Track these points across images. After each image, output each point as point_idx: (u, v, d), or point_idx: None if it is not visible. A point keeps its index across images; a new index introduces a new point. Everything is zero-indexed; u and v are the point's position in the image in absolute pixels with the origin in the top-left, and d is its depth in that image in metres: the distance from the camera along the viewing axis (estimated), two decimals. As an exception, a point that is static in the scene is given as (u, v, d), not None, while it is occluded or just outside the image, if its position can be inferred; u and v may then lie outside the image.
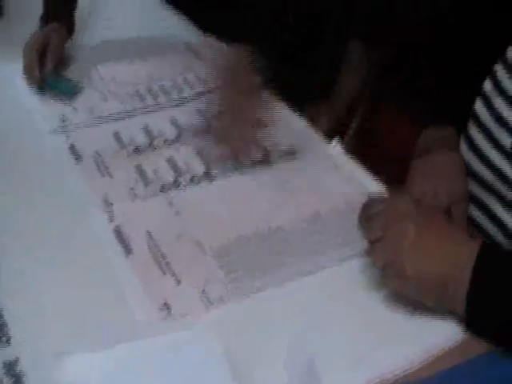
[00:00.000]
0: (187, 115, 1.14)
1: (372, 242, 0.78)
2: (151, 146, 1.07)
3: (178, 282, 0.83)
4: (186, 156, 1.05)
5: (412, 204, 0.79)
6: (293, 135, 1.10)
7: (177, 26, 1.43)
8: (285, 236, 0.90)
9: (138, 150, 1.06)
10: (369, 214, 0.82)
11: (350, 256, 0.88)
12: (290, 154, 1.06)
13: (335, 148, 1.06)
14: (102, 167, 1.02)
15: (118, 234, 0.90)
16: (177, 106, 1.18)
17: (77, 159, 1.04)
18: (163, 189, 0.98)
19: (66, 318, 0.78)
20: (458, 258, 0.73)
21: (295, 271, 0.85)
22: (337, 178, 1.01)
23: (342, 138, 1.14)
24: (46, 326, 0.77)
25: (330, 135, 1.12)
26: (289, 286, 0.84)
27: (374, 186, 1.00)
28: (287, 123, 1.13)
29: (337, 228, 0.92)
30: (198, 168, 1.02)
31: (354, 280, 0.84)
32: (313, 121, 1.16)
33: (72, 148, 1.06)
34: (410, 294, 0.77)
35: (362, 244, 0.83)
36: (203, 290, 0.82)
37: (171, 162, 1.03)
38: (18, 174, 1.02)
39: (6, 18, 1.46)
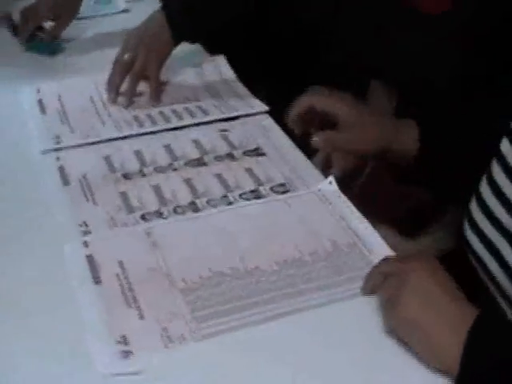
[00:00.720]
0: (183, 142, 1.11)
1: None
2: (141, 172, 1.04)
3: (142, 316, 0.80)
4: (175, 184, 1.02)
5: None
6: (289, 167, 1.06)
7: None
8: (261, 277, 0.86)
9: (126, 176, 1.03)
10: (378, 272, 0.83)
11: (330, 300, 0.83)
12: (282, 186, 1.02)
13: (330, 185, 1.02)
14: (88, 192, 1.00)
15: (91, 261, 0.87)
16: (173, 131, 1.15)
17: (64, 182, 1.02)
18: (144, 218, 0.95)
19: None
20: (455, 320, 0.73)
21: (268, 315, 0.81)
22: (327, 217, 0.97)
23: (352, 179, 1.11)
24: None
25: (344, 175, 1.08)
26: (258, 329, 0.79)
27: (364, 229, 0.95)
28: (284, 154, 1.10)
29: (318, 271, 0.87)
30: (185, 197, 0.99)
31: (333, 323, 0.80)
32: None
33: (61, 170, 1.05)
34: (401, 334, 0.75)
35: (347, 287, 0.83)
36: (165, 327, 0.78)
37: (158, 190, 1.00)
38: (2, 189, 1.01)
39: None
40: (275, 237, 0.93)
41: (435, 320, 0.73)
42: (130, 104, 1.21)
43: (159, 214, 0.96)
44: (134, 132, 1.14)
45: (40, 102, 1.23)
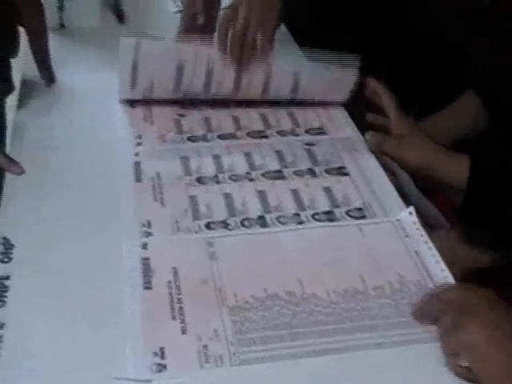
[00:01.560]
0: (265, 152, 1.07)
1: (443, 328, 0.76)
2: (215, 177, 1.01)
3: (184, 331, 0.76)
4: (247, 194, 0.98)
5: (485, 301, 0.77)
6: (370, 190, 1.01)
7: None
8: (317, 306, 0.81)
9: (200, 180, 1.00)
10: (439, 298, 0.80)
11: (387, 343, 0.77)
12: (359, 211, 0.96)
13: (410, 216, 0.95)
14: (158, 192, 0.97)
15: (145, 264, 0.85)
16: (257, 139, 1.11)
17: (137, 179, 1.00)
18: (209, 227, 0.92)
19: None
20: None
21: (316, 349, 0.76)
22: (400, 249, 0.91)
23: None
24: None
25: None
26: (304, 363, 0.74)
27: (438, 269, 0.87)
28: (368, 176, 1.04)
29: (380, 308, 0.81)
30: (255, 210, 0.95)
31: (386, 369, 0.74)
32: None
33: (137, 166, 1.03)
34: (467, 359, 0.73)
35: (410, 331, 0.78)
36: (205, 345, 0.75)
37: (228, 199, 0.97)
38: (74, 179, 1.00)
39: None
40: (341, 264, 0.87)
41: (503, 349, 0.71)
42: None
43: (225, 225, 0.92)
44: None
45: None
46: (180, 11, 1.38)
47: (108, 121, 1.14)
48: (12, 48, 1.15)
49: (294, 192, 0.99)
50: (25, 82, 1.22)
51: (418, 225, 0.94)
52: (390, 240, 0.92)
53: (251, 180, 1.01)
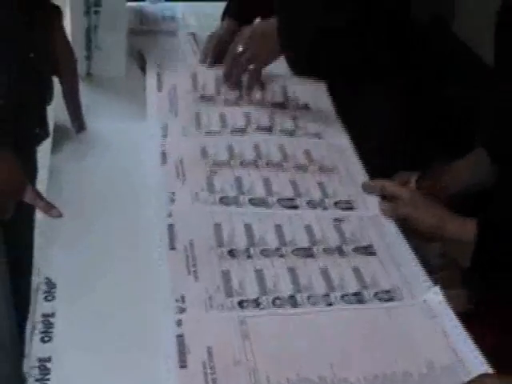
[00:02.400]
0: (295, 226, 1.10)
1: None
2: (247, 251, 1.04)
3: (219, 411, 0.79)
4: (279, 272, 1.00)
5: None
6: (397, 271, 1.03)
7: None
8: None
9: (232, 253, 1.03)
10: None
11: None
12: (387, 293, 0.99)
13: (436, 295, 0.98)
14: (191, 264, 1.00)
15: (180, 342, 0.87)
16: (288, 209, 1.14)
17: (171, 246, 1.03)
18: (241, 305, 0.94)
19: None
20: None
21: None
22: (428, 332, 0.93)
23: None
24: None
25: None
26: None
27: (466, 349, 0.90)
28: (395, 256, 1.07)
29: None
30: (286, 289, 0.97)
31: None
32: None
33: (170, 229, 1.06)
34: None
35: None
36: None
37: (260, 276, 0.99)
38: (106, 249, 1.03)
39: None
40: (371, 348, 0.90)
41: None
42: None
43: (257, 304, 0.94)
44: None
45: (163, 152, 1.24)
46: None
47: (139, 173, 1.19)
48: (48, 96, 1.20)
49: (324, 271, 1.01)
50: (57, 129, 1.27)
51: (445, 304, 0.96)
52: (417, 323, 0.95)
53: (282, 256, 1.04)
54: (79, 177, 1.16)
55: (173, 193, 1.13)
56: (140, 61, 1.53)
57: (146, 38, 1.61)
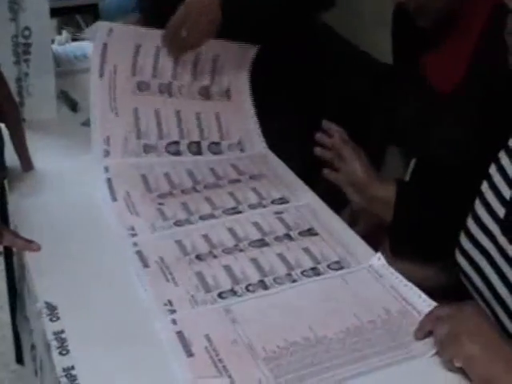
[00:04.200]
0: (244, 225, 1.26)
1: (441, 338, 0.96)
2: (211, 253, 1.19)
3: (233, 382, 0.93)
4: (243, 264, 1.16)
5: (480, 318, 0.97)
6: (340, 245, 1.21)
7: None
8: (329, 344, 1.00)
9: (199, 257, 1.17)
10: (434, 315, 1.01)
11: (389, 363, 0.97)
12: (337, 263, 1.16)
13: (379, 260, 1.16)
14: (168, 273, 1.13)
15: (181, 337, 1.01)
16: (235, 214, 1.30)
17: (144, 265, 1.16)
18: (221, 296, 1.09)
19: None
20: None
21: (337, 378, 0.94)
22: (379, 288, 1.11)
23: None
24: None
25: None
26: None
27: (413, 295, 1.09)
28: (335, 233, 1.24)
29: (377, 337, 1.01)
30: (254, 276, 1.13)
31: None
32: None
33: (140, 254, 1.19)
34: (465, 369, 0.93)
35: (404, 351, 0.98)
36: (256, 391, 0.92)
37: (229, 270, 1.14)
38: (88, 273, 1.15)
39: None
40: (337, 308, 1.07)
41: (494, 358, 0.90)
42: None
43: (234, 293, 1.09)
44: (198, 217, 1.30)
45: (110, 186, 1.37)
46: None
47: (95, 211, 1.31)
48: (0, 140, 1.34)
49: (280, 256, 1.18)
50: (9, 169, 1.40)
51: (387, 266, 1.15)
52: (368, 283, 1.13)
53: (241, 250, 1.19)
54: (38, 211, 1.29)
55: (132, 227, 1.26)
56: (67, 101, 1.66)
57: (66, 78, 1.74)
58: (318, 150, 1.34)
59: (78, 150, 1.47)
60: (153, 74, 1.50)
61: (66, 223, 1.26)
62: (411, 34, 1.44)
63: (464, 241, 1.11)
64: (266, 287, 1.11)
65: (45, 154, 1.45)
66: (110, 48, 1.45)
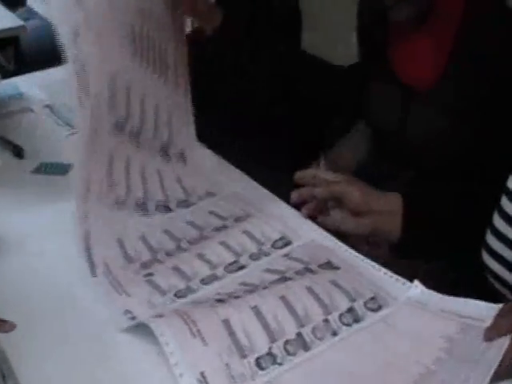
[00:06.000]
0: (256, 271, 1.11)
1: None
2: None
3: None
4: (273, 306, 0.99)
5: None
6: (366, 280, 1.07)
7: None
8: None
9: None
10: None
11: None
12: (373, 300, 1.03)
13: (417, 288, 1.04)
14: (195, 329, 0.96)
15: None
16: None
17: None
18: (259, 365, 0.93)
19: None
20: None
21: None
22: (428, 317, 0.99)
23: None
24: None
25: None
26: None
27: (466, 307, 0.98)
28: (356, 267, 1.11)
29: (451, 371, 0.89)
30: (290, 327, 0.97)
31: None
32: None
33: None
34: None
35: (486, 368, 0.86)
36: None
37: (259, 316, 0.99)
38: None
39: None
40: (393, 362, 0.93)
41: None
42: None
43: (273, 358, 0.94)
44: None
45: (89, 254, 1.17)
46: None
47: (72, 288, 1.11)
48: None
49: (309, 289, 1.02)
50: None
51: (426, 291, 1.03)
52: (415, 316, 1.00)
53: (265, 288, 1.04)
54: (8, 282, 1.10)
55: (128, 311, 1.06)
56: (7, 145, 1.48)
57: (3, 121, 1.56)
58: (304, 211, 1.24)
59: (35, 202, 1.28)
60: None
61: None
62: (379, 27, 1.37)
63: (492, 240, 1.05)
64: (305, 345, 0.96)
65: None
66: None
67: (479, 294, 1.00)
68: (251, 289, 1.05)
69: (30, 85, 1.76)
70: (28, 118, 1.61)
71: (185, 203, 1.32)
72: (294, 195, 1.23)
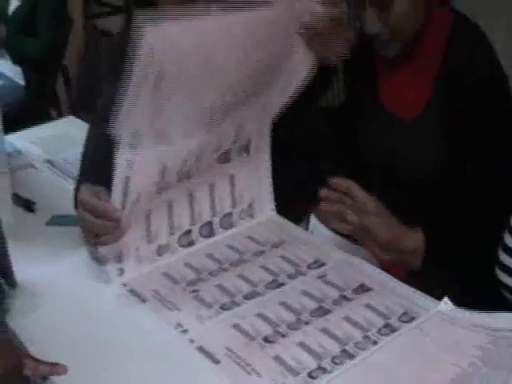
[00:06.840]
0: (295, 297, 1.22)
1: None
2: (278, 332, 1.14)
3: None
4: (317, 338, 1.12)
5: None
6: (398, 297, 1.19)
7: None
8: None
9: (268, 340, 1.12)
10: None
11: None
12: (406, 315, 1.14)
13: (446, 304, 1.15)
14: (244, 364, 1.08)
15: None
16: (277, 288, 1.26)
17: (213, 361, 1.10)
18: (311, 376, 1.05)
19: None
20: None
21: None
22: (459, 330, 1.10)
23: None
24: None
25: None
26: None
27: (496, 321, 1.07)
28: (392, 289, 1.22)
29: (487, 376, 0.99)
30: (334, 347, 1.09)
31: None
32: None
33: (202, 350, 1.12)
34: None
35: None
36: None
37: (305, 347, 1.10)
38: None
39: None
40: (431, 361, 1.04)
41: None
42: None
43: (323, 370, 1.05)
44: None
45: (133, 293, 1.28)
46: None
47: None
48: None
49: (348, 319, 1.15)
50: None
51: (456, 308, 1.14)
52: (446, 327, 1.11)
53: (307, 323, 1.15)
54: (40, 327, 1.18)
55: (178, 324, 1.18)
56: (19, 200, 1.54)
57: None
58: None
59: (48, 253, 1.35)
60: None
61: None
62: (368, 63, 1.49)
63: (504, 257, 1.14)
64: (350, 355, 1.08)
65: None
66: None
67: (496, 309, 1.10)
68: (294, 320, 1.16)
69: (24, 141, 1.83)
70: (31, 173, 1.67)
71: (227, 220, 1.43)
72: (324, 192, 1.30)
